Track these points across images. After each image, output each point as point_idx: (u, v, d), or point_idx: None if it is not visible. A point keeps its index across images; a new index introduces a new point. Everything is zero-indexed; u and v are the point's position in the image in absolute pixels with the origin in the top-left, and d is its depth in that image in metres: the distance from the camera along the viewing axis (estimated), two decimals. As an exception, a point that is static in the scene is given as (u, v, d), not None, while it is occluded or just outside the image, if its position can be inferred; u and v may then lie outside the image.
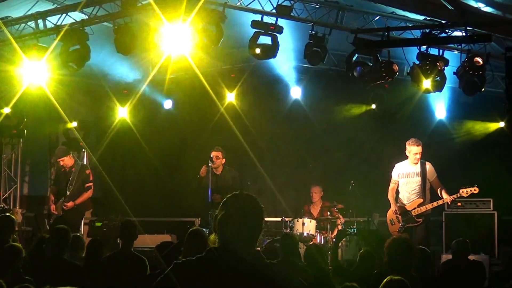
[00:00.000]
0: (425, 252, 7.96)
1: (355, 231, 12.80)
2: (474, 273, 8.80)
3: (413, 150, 11.94)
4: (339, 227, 13.58)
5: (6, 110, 13.84)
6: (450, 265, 9.05)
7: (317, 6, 11.67)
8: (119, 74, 15.84)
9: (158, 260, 8.03)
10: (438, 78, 11.40)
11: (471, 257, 9.54)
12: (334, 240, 12.62)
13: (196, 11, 11.08)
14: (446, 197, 11.73)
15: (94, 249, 8.62)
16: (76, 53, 11.78)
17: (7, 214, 9.58)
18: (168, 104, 16.35)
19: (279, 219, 14.13)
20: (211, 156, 13.00)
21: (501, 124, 14.65)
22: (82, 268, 7.80)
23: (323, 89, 15.73)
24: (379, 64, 11.55)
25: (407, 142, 12.08)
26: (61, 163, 12.86)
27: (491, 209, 13.22)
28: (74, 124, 15.92)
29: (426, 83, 11.39)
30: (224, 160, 13.17)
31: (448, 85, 12.61)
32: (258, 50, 11.69)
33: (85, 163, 15.02)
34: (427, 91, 11.87)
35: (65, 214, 12.49)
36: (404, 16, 11.35)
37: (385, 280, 5.59)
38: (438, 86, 11.61)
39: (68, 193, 12.55)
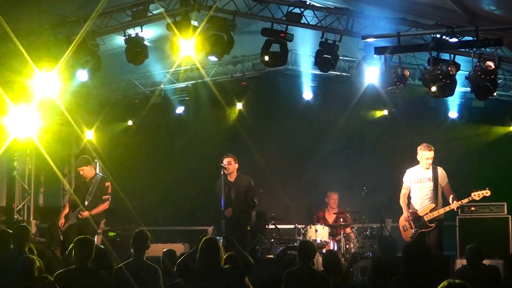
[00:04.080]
0: (441, 257, 7.93)
1: (370, 255, 12.72)
2: (489, 278, 8.76)
3: (425, 155, 11.91)
4: (352, 235, 13.60)
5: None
6: (465, 271, 9.00)
7: (327, 13, 11.66)
8: (130, 84, 15.91)
9: None
10: (449, 82, 11.37)
11: (486, 262, 9.49)
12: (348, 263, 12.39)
13: (206, 20, 11.17)
14: (454, 204, 11.66)
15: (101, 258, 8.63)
16: (87, 64, 11.81)
17: (23, 224, 9.55)
18: (179, 110, 16.38)
19: (292, 226, 14.09)
20: (223, 163, 12.95)
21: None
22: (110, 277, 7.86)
23: (334, 95, 15.72)
24: (391, 70, 11.53)
25: (418, 147, 12.05)
26: (81, 172, 12.96)
27: (505, 213, 13.15)
28: (87, 134, 16.02)
29: (438, 88, 11.35)
30: (237, 165, 13.09)
31: (459, 90, 12.59)
32: (267, 58, 11.69)
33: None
34: (439, 96, 11.84)
35: (80, 224, 12.56)
36: (414, 21, 11.32)
37: (442, 284, 5.51)
38: (449, 91, 11.57)
39: (86, 203, 12.63)
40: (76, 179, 14.51)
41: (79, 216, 12.53)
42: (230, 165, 12.95)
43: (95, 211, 12.71)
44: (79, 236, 8.15)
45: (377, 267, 8.34)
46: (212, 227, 14.38)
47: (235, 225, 12.59)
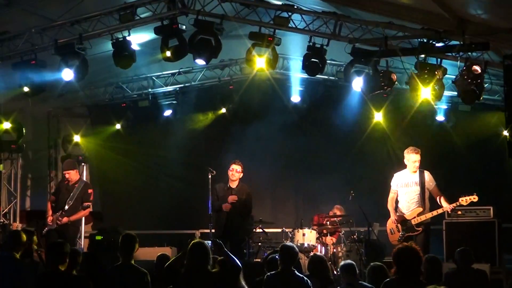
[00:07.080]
0: (434, 259, 7.91)
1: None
2: (477, 282, 8.80)
3: (412, 158, 11.95)
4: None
5: (6, 125, 13.94)
6: (454, 274, 9.02)
7: (314, 17, 11.67)
8: (117, 88, 15.87)
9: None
10: (437, 87, 11.40)
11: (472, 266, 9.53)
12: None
13: (194, 24, 11.18)
14: (445, 206, 11.76)
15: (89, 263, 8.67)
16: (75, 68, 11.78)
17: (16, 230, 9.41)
18: (167, 114, 16.33)
19: (279, 230, 14.08)
20: (231, 168, 12.97)
21: (500, 132, 14.66)
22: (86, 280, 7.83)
23: (322, 99, 15.73)
24: (378, 74, 11.56)
25: (405, 151, 12.10)
26: (67, 175, 12.94)
27: (491, 217, 13.15)
28: (76, 138, 15.99)
29: (425, 92, 11.38)
30: (242, 174, 13.13)
31: (446, 94, 12.62)
32: (256, 62, 11.68)
33: (85, 177, 15.10)
34: (426, 101, 11.88)
35: (60, 229, 12.49)
36: (401, 25, 11.35)
37: None
38: (437, 95, 11.60)
39: (66, 207, 12.57)
40: (59, 181, 14.48)
41: (58, 222, 12.48)
42: (238, 173, 13.00)
43: (74, 217, 12.67)
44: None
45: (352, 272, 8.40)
46: (199, 230, 14.41)
47: (234, 231, 12.70)
